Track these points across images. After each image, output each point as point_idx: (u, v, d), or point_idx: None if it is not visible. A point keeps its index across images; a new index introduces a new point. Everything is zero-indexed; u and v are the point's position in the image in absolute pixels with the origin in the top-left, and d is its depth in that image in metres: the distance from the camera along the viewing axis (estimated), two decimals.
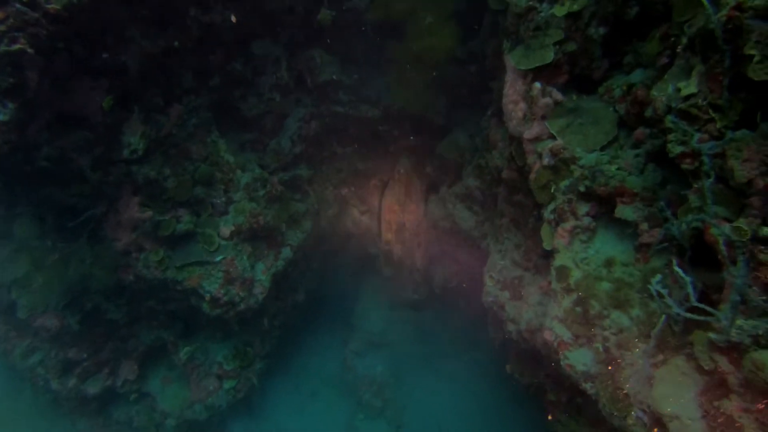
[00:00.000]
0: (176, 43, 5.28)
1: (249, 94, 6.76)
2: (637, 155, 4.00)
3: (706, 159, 2.80)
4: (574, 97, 4.55)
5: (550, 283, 4.50)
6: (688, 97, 3.09)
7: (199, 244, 6.12)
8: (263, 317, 6.90)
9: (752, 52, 2.52)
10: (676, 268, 2.72)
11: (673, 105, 3.18)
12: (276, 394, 7.64)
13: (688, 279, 2.62)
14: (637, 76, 4.30)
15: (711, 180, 2.74)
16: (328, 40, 6.51)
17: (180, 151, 6.03)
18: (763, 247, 2.47)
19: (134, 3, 4.82)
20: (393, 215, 8.13)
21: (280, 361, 7.76)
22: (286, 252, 6.89)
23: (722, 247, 2.59)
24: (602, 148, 4.28)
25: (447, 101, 7.17)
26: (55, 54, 4.29)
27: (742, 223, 2.58)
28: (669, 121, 3.21)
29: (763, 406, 2.30)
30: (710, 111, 2.95)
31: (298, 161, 7.30)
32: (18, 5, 3.86)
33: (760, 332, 2.30)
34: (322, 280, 8.46)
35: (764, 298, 2.35)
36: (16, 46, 3.94)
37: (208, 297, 6.08)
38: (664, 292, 2.72)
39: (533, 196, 4.87)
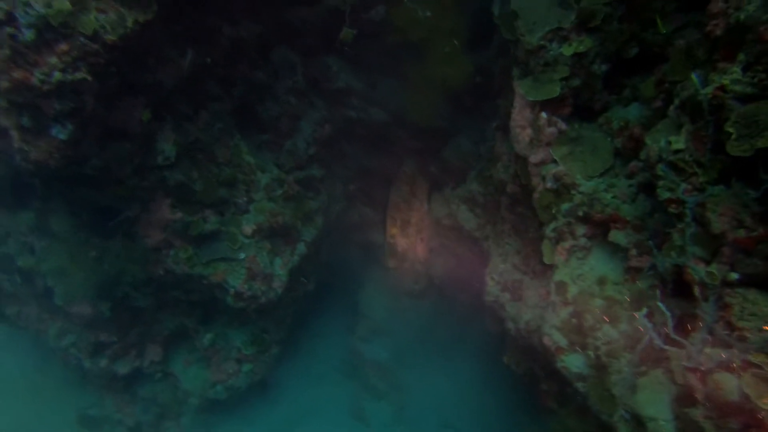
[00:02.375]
0: (208, 60, 5.64)
1: (266, 98, 7.13)
2: (630, 185, 4.57)
3: (688, 211, 3.37)
4: (576, 126, 5.07)
5: (548, 292, 5.13)
6: (677, 151, 3.63)
7: (224, 242, 6.61)
8: (279, 307, 7.47)
9: (730, 130, 3.06)
10: (659, 304, 3.32)
11: (664, 156, 3.72)
12: (287, 375, 8.29)
13: (668, 314, 3.23)
14: (633, 111, 4.83)
15: (692, 230, 3.32)
16: (346, 49, 6.84)
17: (206, 156, 6.45)
18: (729, 290, 3.08)
19: (173, 24, 5.16)
20: (398, 212, 8.67)
21: (291, 345, 8.37)
22: (301, 248, 7.41)
23: (697, 288, 3.19)
24: (600, 175, 4.86)
25: (452, 108, 7.62)
26: (107, 77, 4.67)
27: (714, 268, 3.17)
28: (660, 169, 3.76)
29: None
30: (695, 166, 3.50)
31: (312, 161, 7.74)
32: (82, 38, 4.22)
33: (722, 359, 2.92)
34: (330, 270, 9.01)
35: (727, 332, 2.96)
36: (79, 75, 4.32)
37: (232, 291, 6.61)
38: (649, 326, 3.33)
39: (535, 209, 5.46)
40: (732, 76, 3.10)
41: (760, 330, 2.86)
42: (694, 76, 3.35)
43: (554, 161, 5.06)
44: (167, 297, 7.17)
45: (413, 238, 8.76)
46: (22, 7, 4.00)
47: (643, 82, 4.86)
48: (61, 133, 4.58)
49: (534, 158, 5.15)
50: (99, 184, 5.62)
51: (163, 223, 6.24)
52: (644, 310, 3.42)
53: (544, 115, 5.04)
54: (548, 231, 5.02)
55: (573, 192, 4.82)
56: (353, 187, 8.87)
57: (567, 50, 4.77)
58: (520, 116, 5.28)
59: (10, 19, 4.03)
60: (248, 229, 6.69)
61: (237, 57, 6.12)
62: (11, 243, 6.97)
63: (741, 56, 3.09)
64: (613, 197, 4.60)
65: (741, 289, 3.07)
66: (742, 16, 3.08)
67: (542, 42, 4.84)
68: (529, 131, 5.21)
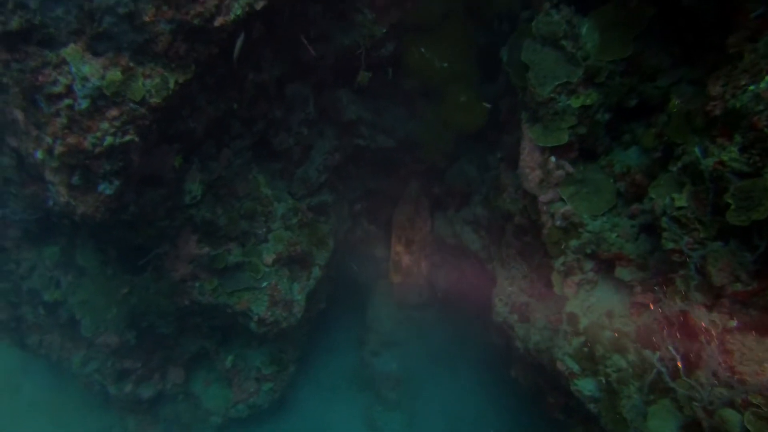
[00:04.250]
0: (235, 106, 5.93)
1: (280, 130, 7.43)
2: (632, 225, 5.10)
3: (692, 265, 3.90)
4: (582, 168, 5.57)
5: (557, 318, 5.67)
6: (680, 208, 4.16)
7: (247, 272, 6.94)
8: (297, 329, 7.85)
9: (730, 201, 3.58)
10: (669, 347, 3.86)
11: (668, 211, 4.25)
12: (302, 390, 8.70)
13: (678, 356, 3.77)
14: (632, 155, 5.35)
15: (695, 281, 3.86)
16: (356, 87, 7.18)
17: (228, 191, 6.74)
18: (730, 337, 3.62)
19: (206, 77, 5.44)
20: (403, 230, 9.11)
21: (305, 361, 8.78)
22: (316, 272, 7.79)
23: (701, 332, 3.74)
24: (604, 214, 5.38)
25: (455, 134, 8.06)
26: (149, 134, 4.95)
27: (715, 317, 3.72)
28: (664, 222, 4.29)
29: None
30: (696, 223, 4.03)
31: (323, 188, 8.08)
32: (131, 104, 4.50)
33: (726, 398, 3.47)
34: (337, 285, 9.41)
35: (729, 375, 3.51)
36: (128, 137, 4.59)
37: (256, 318, 6.96)
38: (663, 370, 3.87)
39: (541, 240, 5.97)
40: (730, 154, 3.62)
41: (757, 374, 3.42)
42: (697, 150, 3.86)
43: (562, 200, 5.57)
44: (189, 323, 7.47)
45: (417, 255, 9.22)
46: (81, 81, 4.25)
47: (640, 128, 5.41)
48: (108, 189, 4.85)
49: (544, 198, 5.64)
50: (133, 226, 5.88)
51: (190, 257, 6.53)
52: (657, 354, 3.95)
53: (553, 159, 5.52)
54: (558, 264, 5.54)
55: (581, 230, 5.34)
56: (358, 206, 9.26)
57: (575, 102, 5.24)
58: (529, 158, 5.75)
59: (69, 91, 4.28)
60: (269, 258, 7.03)
61: (259, 99, 6.40)
62: (36, 277, 7.16)
63: (737, 138, 3.61)
64: (618, 237, 5.13)
65: (740, 336, 3.63)
66: (738, 104, 3.59)
67: (552, 94, 5.30)
68: (538, 173, 5.68)
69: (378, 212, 9.52)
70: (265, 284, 6.98)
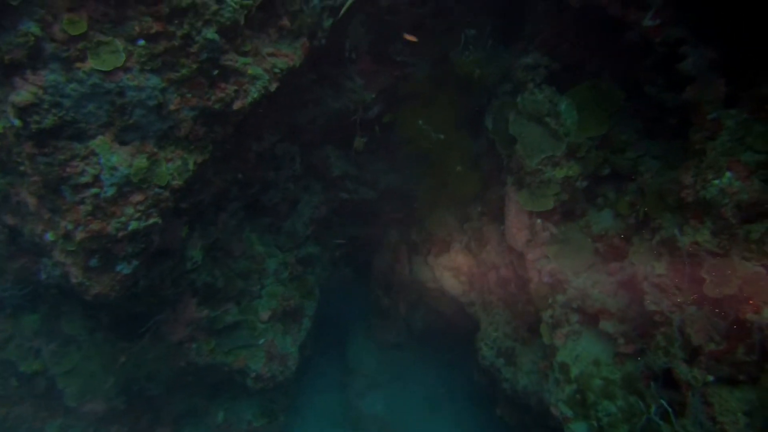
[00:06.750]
0: (240, 175, 6.11)
1: (270, 188, 7.63)
2: (611, 282, 5.79)
3: (675, 327, 4.57)
4: (563, 228, 6.23)
5: (546, 365, 6.25)
6: (659, 275, 4.84)
7: (245, 329, 7.03)
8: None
9: (705, 276, 4.27)
10: (662, 401, 4.49)
11: (649, 277, 4.93)
12: None
13: (671, 411, 4.39)
14: (606, 216, 6.05)
15: (679, 342, 4.52)
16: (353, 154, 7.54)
17: (225, 253, 6.85)
18: (710, 390, 4.29)
19: (215, 153, 5.60)
20: (383, 276, 9.47)
21: (292, 406, 8.85)
22: (306, 323, 7.98)
23: (684, 386, 4.39)
24: (584, 271, 6.04)
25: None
26: (168, 214, 5.05)
27: (696, 372, 4.39)
28: (646, 286, 4.96)
29: None
30: (674, 289, 4.72)
31: (309, 240, 8.32)
32: (156, 189, 4.61)
33: None
34: (318, 328, 9.59)
35: (711, 424, 4.16)
36: (152, 221, 4.69)
37: (253, 375, 7.05)
38: (660, 423, 4.48)
39: (525, 289, 6.56)
40: (704, 236, 4.33)
41: (735, 423, 4.09)
42: (676, 231, 4.55)
43: (547, 258, 6.19)
44: (181, 382, 7.39)
45: (395, 297, 9.60)
46: (109, 171, 4.32)
47: (611, 192, 6.14)
48: (126, 268, 4.88)
49: (531, 256, 6.23)
50: (137, 297, 5.86)
51: (188, 320, 6.54)
52: (654, 408, 4.57)
53: (539, 221, 6.15)
54: (546, 317, 6.12)
55: (567, 287, 5.96)
56: (338, 253, 9.53)
57: (559, 173, 5.90)
58: (516, 220, 6.35)
59: (96, 180, 4.34)
60: (265, 315, 7.16)
61: (259, 165, 6.60)
62: (12, 348, 6.84)
63: (708, 223, 4.32)
64: (599, 293, 5.79)
65: (717, 389, 4.30)
66: (707, 196, 4.30)
67: (539, 166, 5.93)
68: (525, 233, 6.29)
69: (357, 257, 9.84)
70: (262, 341, 7.09)
